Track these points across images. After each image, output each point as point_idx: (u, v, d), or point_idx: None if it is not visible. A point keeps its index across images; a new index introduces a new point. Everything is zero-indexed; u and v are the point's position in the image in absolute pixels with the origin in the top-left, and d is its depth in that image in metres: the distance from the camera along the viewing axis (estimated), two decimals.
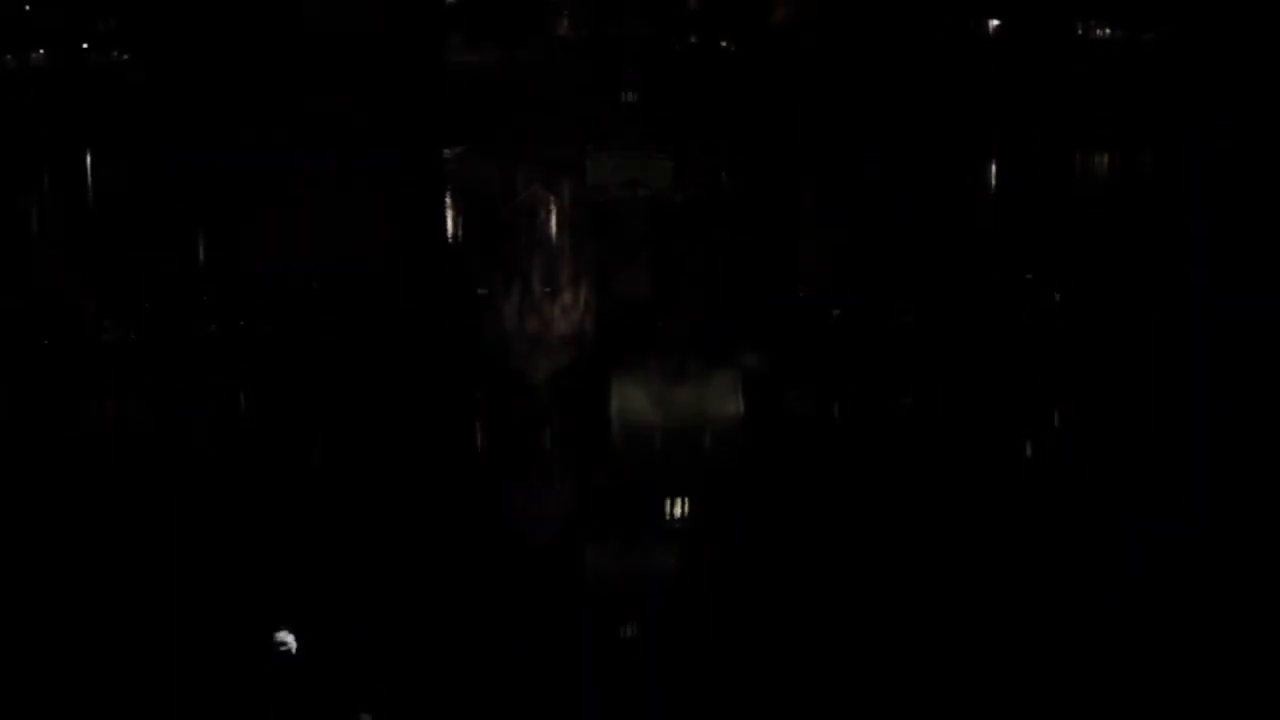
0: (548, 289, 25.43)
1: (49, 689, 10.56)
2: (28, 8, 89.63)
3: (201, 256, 31.05)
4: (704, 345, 20.65)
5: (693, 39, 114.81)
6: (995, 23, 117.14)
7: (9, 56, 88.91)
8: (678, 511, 12.84)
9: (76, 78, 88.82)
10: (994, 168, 57.99)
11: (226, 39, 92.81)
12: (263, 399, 17.25)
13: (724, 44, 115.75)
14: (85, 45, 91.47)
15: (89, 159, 65.38)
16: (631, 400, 17.17)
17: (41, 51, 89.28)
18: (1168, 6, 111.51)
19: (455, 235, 35.48)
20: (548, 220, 38.45)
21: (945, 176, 51.55)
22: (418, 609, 11.28)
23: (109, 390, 17.61)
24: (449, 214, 40.47)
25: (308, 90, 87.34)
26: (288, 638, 10.14)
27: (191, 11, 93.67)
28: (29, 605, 11.79)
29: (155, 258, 28.86)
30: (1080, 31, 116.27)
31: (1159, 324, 21.47)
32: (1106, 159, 63.53)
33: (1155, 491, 13.48)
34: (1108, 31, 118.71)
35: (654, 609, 11.01)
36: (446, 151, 69.57)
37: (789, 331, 21.56)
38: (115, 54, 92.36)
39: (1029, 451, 15.12)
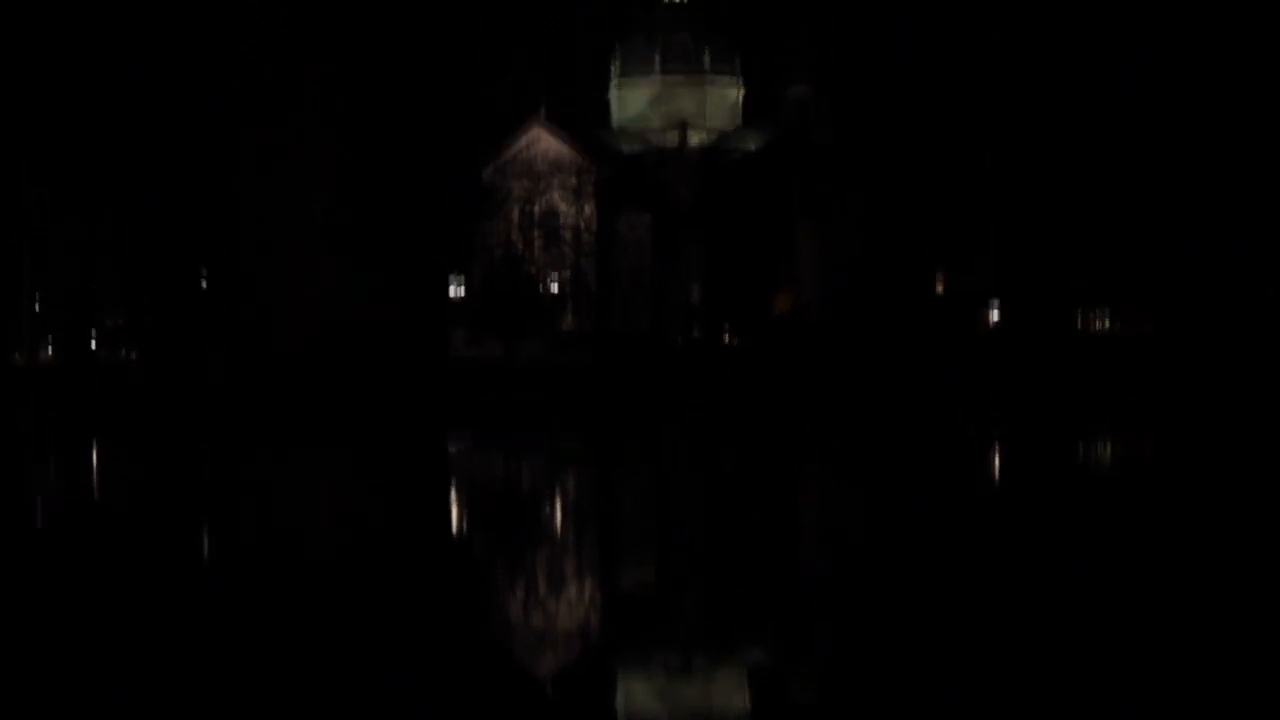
0: (552, 581, 25.06)
1: None
2: (38, 307, 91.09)
3: (206, 548, 30.69)
4: (710, 639, 20.22)
5: (695, 332, 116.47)
6: (995, 315, 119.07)
7: (18, 354, 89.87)
8: None
9: (85, 374, 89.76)
10: (998, 451, 58.05)
11: (230, 333, 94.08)
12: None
13: (727, 337, 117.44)
14: (94, 342, 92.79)
15: (95, 454, 65.45)
16: (637, 697, 16.68)
17: (50, 349, 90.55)
18: (1167, 298, 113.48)
19: (459, 528, 35.18)
20: (554, 510, 38.19)
21: (950, 465, 51.57)
22: None
23: None
24: (453, 507, 40.25)
25: (313, 380, 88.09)
26: None
27: (197, 308, 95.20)
28: None
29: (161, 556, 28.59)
30: (1079, 323, 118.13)
31: None
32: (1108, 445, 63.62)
33: None
34: (1106, 324, 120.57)
35: None
36: (451, 446, 69.77)
37: (796, 620, 21.17)
38: (123, 352, 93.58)
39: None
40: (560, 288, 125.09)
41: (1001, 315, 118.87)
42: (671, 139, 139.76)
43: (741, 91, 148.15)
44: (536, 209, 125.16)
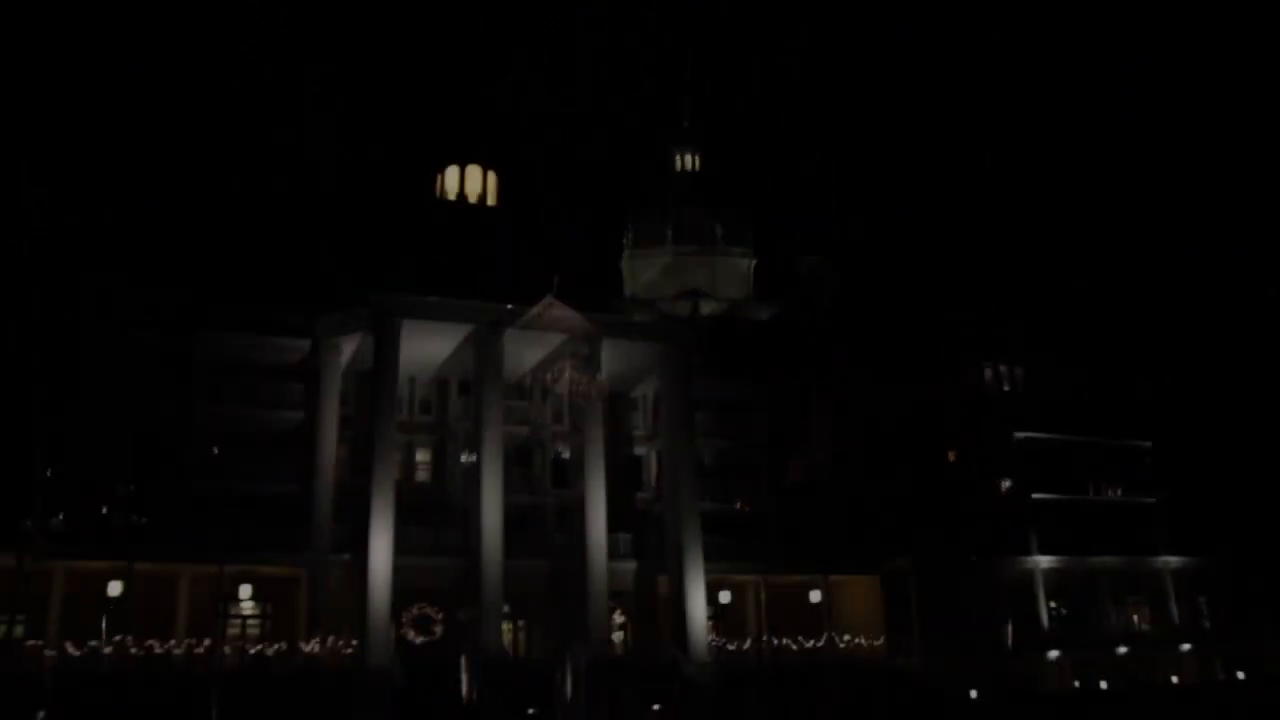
0: None
1: None
2: (49, 474, 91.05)
3: None
4: None
5: (708, 499, 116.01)
6: (1007, 483, 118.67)
7: (28, 521, 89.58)
8: None
9: (95, 540, 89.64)
10: (1010, 624, 57.76)
11: (245, 498, 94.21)
12: None
13: (739, 505, 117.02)
14: (104, 509, 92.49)
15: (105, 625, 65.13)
16: None
17: (61, 517, 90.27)
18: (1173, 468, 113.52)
19: (469, 697, 34.99)
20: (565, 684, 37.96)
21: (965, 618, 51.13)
22: None
23: None
24: (463, 673, 40.05)
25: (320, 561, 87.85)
26: None
27: (210, 486, 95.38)
28: None
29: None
30: (1091, 493, 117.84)
31: None
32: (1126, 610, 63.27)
33: None
34: (1118, 492, 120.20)
35: None
36: (460, 614, 69.31)
37: None
38: (134, 518, 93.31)
39: None
40: (572, 455, 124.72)
41: (1013, 484, 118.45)
42: (683, 309, 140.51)
43: (753, 262, 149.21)
44: (548, 377, 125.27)
